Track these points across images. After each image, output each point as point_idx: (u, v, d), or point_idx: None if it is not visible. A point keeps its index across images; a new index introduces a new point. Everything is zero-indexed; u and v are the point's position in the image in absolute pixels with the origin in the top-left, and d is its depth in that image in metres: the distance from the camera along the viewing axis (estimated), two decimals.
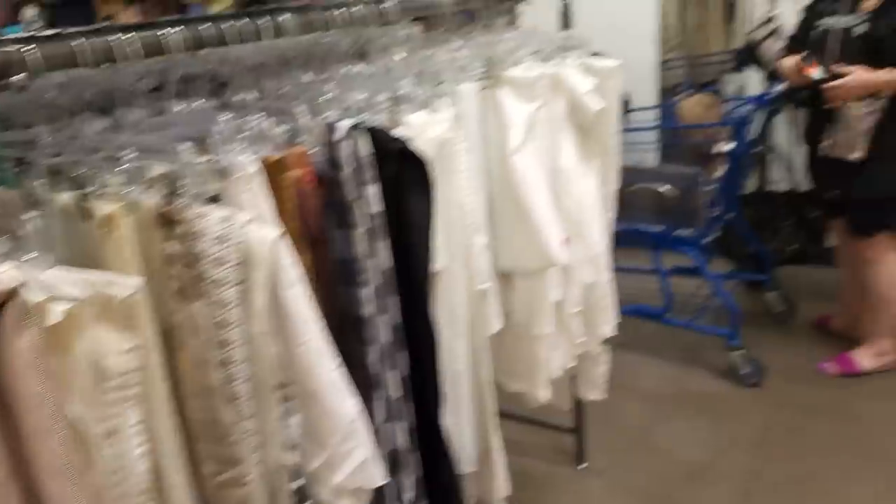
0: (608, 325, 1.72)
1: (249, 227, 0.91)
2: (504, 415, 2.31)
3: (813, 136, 2.60)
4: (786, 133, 3.21)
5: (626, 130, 3.50)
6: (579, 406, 2.16)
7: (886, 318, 2.61)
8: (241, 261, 0.91)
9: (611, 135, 1.71)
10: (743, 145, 2.65)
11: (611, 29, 3.73)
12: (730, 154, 2.57)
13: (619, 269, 3.20)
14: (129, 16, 3.41)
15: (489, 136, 1.45)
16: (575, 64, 1.65)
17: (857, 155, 2.38)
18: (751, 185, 3.33)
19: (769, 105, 2.73)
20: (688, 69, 4.45)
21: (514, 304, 1.54)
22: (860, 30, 2.33)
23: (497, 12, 1.90)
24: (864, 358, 2.64)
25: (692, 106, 2.64)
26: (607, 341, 1.85)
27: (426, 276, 1.17)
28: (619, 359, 2.87)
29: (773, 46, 3.00)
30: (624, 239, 2.91)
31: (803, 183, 3.00)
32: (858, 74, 2.26)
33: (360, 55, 1.55)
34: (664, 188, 2.71)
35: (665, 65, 4.22)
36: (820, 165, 2.53)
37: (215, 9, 3.59)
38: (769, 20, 3.04)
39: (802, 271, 3.25)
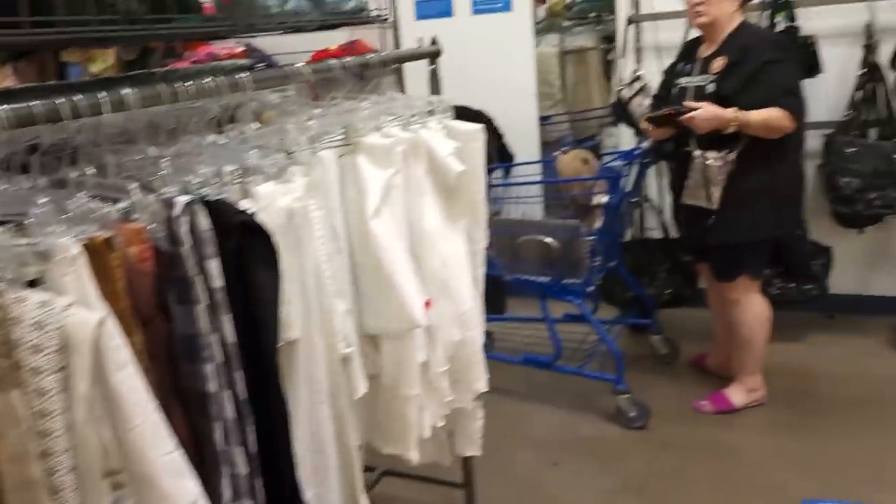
0: (480, 380, 1.75)
1: (70, 312, 0.89)
2: (394, 473, 2.32)
3: (676, 186, 2.76)
4: (657, 184, 3.39)
5: (511, 185, 3.64)
6: (467, 460, 2.17)
7: (752, 356, 2.76)
8: (62, 347, 0.89)
9: (476, 194, 1.77)
10: (618, 197, 2.78)
11: (494, 86, 3.89)
12: (606, 206, 2.69)
13: (509, 319, 3.36)
14: (2, 76, 3.30)
15: (349, 202, 1.47)
16: (437, 128, 1.70)
17: (712, 203, 2.53)
18: (630, 233, 3.49)
19: (640, 159, 2.89)
20: (570, 124, 4.68)
21: (382, 366, 1.54)
22: (710, 88, 2.52)
23: (384, 73, 1.95)
24: (736, 395, 2.77)
25: (570, 161, 2.76)
26: (487, 394, 1.88)
27: (275, 348, 1.16)
28: (511, 408, 2.96)
29: (643, 103, 3.18)
30: (515, 289, 3.03)
31: (674, 230, 3.17)
32: (707, 107, 2.43)
33: (231, 120, 1.56)
34: (548, 240, 2.80)
35: (546, 120, 4.41)
36: (682, 214, 2.69)
37: (96, 68, 3.52)
38: (636, 79, 3.23)
39: (683, 313, 3.40)
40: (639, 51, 3.54)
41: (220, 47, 3.66)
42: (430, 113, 1.75)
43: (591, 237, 2.74)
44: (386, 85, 1.85)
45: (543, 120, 4.46)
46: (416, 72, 4.06)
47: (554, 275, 2.83)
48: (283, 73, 1.57)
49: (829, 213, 3.14)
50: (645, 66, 3.50)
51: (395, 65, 2.03)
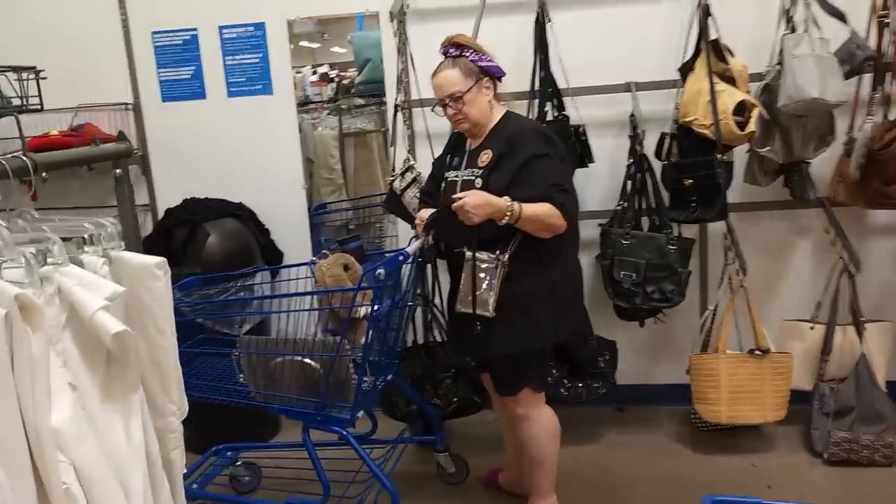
0: None
1: None
2: None
3: (451, 291, 2.47)
4: (437, 283, 3.11)
5: (268, 297, 3.19)
6: None
7: (545, 475, 2.48)
8: None
9: (160, 353, 1.30)
10: (386, 307, 2.42)
11: (257, 176, 3.47)
12: (372, 318, 2.31)
13: (278, 447, 2.86)
14: None
15: None
16: (95, 265, 1.23)
17: (487, 310, 2.25)
18: (411, 338, 3.15)
19: (411, 260, 2.57)
20: (354, 212, 4.32)
21: None
22: (478, 183, 2.27)
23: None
24: None
25: (329, 267, 2.37)
26: None
27: None
28: None
29: (417, 195, 2.90)
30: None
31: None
32: (476, 192, 2.19)
33: None
34: (307, 361, 2.37)
35: (323, 209, 4.03)
36: (457, 322, 2.38)
37: None
38: (408, 169, 2.95)
39: (472, 419, 3.10)
40: (411, 138, 3.29)
41: None
42: (91, 242, 1.27)
43: (356, 355, 2.34)
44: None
45: (321, 208, 4.09)
46: (164, 159, 3.58)
47: (317, 400, 2.39)
48: None
49: (611, 306, 3.01)
50: (419, 153, 3.25)
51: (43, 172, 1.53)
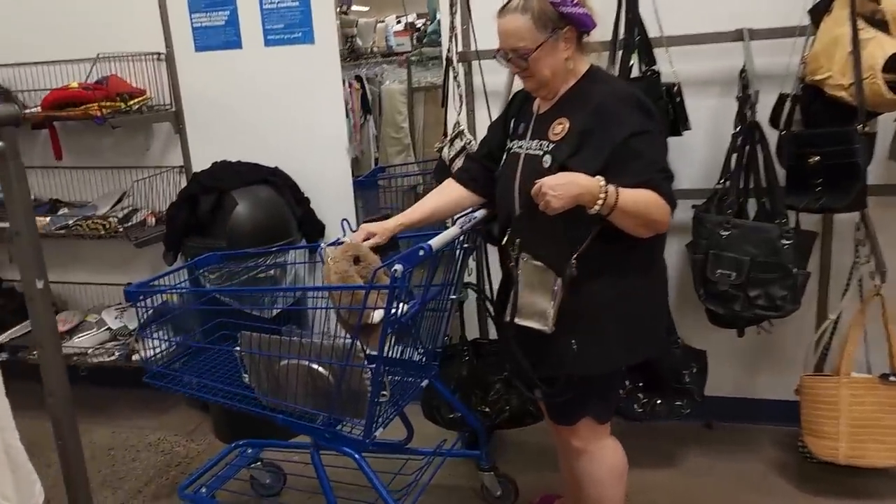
0: None
1: None
2: None
3: (501, 292, 2.00)
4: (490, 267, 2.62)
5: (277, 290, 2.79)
6: None
7: None
8: None
9: None
10: (414, 305, 1.97)
11: (297, 136, 3.06)
12: (386, 324, 1.86)
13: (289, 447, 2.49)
14: None
15: None
16: None
17: (545, 324, 1.77)
18: (455, 332, 2.69)
19: (458, 246, 2.10)
20: (421, 176, 3.86)
21: None
22: (547, 161, 1.76)
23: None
24: None
25: (336, 260, 1.92)
26: None
27: None
28: None
29: None
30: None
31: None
32: (562, 173, 1.66)
33: None
34: (314, 366, 1.96)
35: (383, 172, 3.61)
36: (510, 336, 1.90)
37: None
38: (458, 135, 2.45)
39: (524, 433, 2.64)
40: (467, 96, 2.77)
41: None
42: None
43: (368, 366, 1.91)
44: None
45: (379, 171, 3.66)
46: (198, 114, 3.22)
47: (327, 412, 1.99)
48: None
49: (702, 307, 2.44)
50: (478, 116, 2.74)
51: None
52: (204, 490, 2.41)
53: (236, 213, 2.80)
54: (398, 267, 1.75)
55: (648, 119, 1.72)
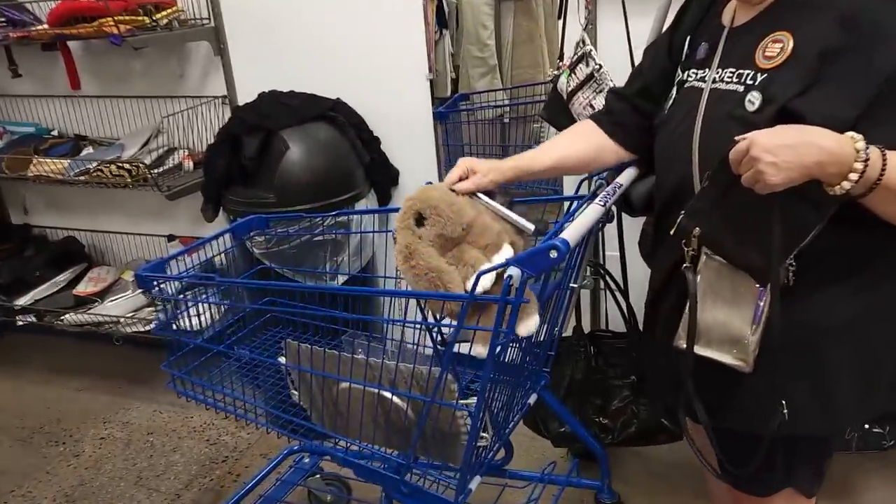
0: None
1: None
2: None
3: (656, 300, 1.35)
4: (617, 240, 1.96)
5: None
6: None
7: None
8: None
9: None
10: (551, 287, 1.35)
11: (365, 62, 2.41)
12: (491, 354, 1.24)
13: None
14: None
15: None
16: None
17: (741, 360, 1.13)
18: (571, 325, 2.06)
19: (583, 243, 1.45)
20: (509, 103, 3.19)
21: None
22: (756, 101, 1.09)
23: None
24: None
25: (401, 224, 1.25)
26: None
27: None
28: None
29: (594, 101, 1.74)
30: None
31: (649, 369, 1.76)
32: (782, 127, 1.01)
33: None
34: (388, 395, 1.38)
35: (465, 100, 2.94)
36: (665, 360, 1.26)
37: None
38: (580, 58, 1.76)
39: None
40: (593, 4, 2.05)
41: None
42: None
43: (466, 408, 1.31)
44: None
45: (463, 99, 3.00)
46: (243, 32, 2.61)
47: (404, 452, 1.42)
48: None
49: None
50: (602, 32, 2.02)
51: None
52: None
53: (287, 159, 2.21)
54: (514, 272, 1.12)
55: None
